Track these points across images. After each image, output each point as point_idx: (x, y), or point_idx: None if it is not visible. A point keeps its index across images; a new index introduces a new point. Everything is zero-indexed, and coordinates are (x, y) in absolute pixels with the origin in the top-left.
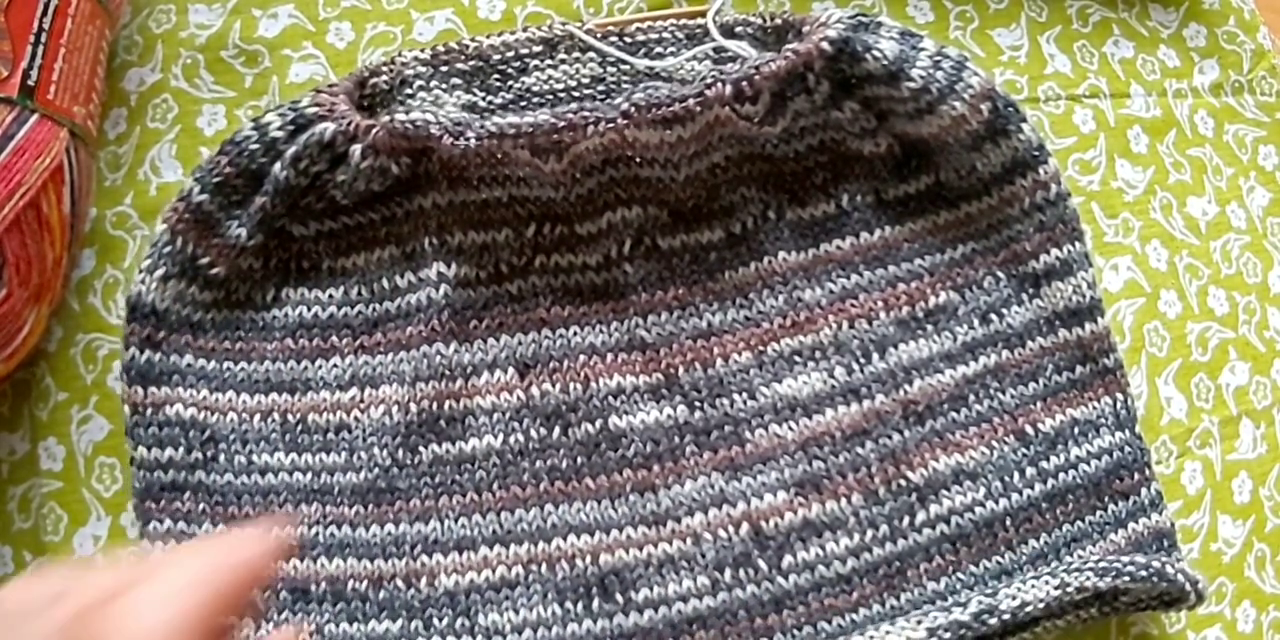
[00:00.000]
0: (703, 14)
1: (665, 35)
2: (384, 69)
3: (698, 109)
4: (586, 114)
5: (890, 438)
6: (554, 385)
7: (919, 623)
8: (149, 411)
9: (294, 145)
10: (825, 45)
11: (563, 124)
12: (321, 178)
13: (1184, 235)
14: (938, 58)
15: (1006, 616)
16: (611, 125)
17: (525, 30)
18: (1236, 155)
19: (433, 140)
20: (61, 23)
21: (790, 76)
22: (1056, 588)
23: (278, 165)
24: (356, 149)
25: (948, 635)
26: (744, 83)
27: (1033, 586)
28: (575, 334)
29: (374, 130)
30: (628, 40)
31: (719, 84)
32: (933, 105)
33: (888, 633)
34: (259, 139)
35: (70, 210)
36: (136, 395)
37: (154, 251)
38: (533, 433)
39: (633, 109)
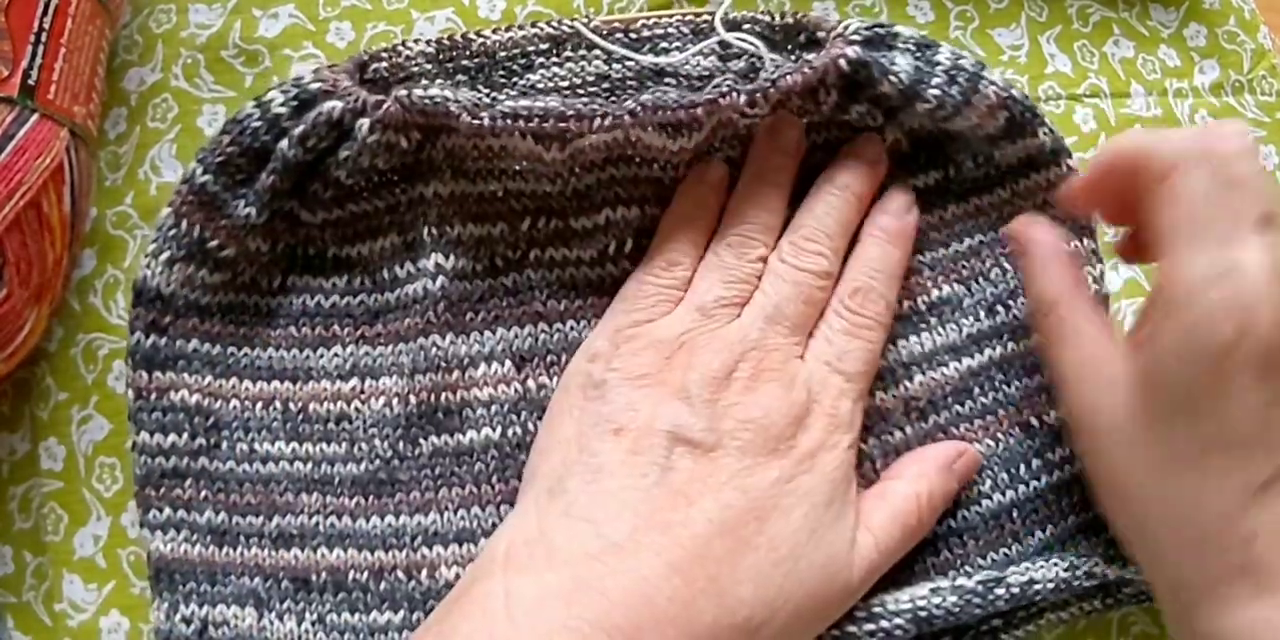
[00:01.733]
0: (709, 13)
1: (671, 31)
2: (384, 54)
3: (705, 117)
4: (596, 107)
5: (893, 434)
6: (550, 378)
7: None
8: (153, 397)
9: (301, 124)
10: (843, 64)
11: (570, 112)
12: (325, 158)
13: None
14: (953, 71)
15: (1015, 590)
16: (618, 121)
17: (532, 26)
18: None
19: (450, 117)
20: (62, 22)
21: (804, 90)
22: (1066, 569)
23: (284, 142)
24: (364, 123)
25: (953, 598)
26: (758, 95)
27: (1041, 567)
28: (571, 328)
29: (384, 104)
30: (633, 37)
31: (733, 93)
32: (947, 118)
33: (896, 599)
34: (262, 116)
35: (70, 210)
36: (141, 380)
37: (159, 235)
38: (530, 426)
39: (639, 109)
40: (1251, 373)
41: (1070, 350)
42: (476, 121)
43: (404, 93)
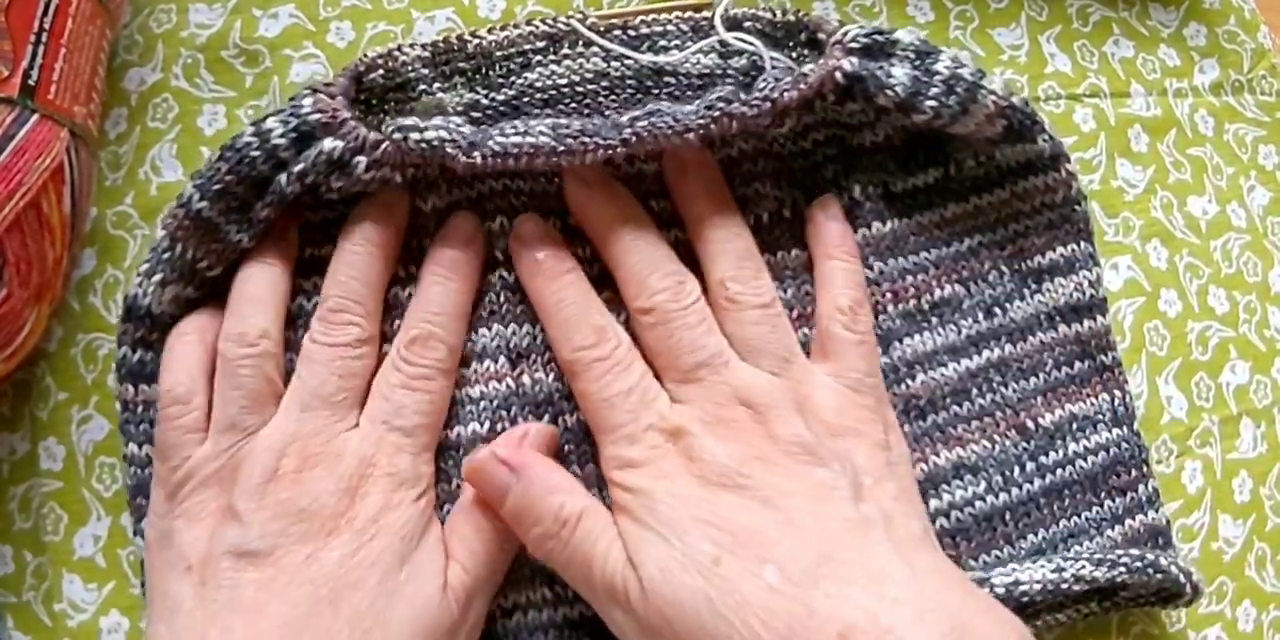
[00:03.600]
0: (707, 7)
1: (670, 28)
2: (379, 62)
3: (700, 142)
4: (586, 140)
5: None
6: (547, 374)
7: None
8: (140, 409)
9: (301, 161)
10: (839, 78)
11: (561, 148)
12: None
13: (1184, 234)
14: (951, 81)
15: (1000, 591)
16: (609, 152)
17: (528, 24)
18: (1237, 154)
19: (448, 159)
20: (62, 22)
21: (800, 104)
22: (1053, 572)
23: (283, 178)
24: (361, 161)
25: None
26: (754, 112)
27: (1028, 569)
28: None
29: (383, 145)
30: (631, 34)
31: (725, 118)
32: (945, 126)
33: None
34: (260, 146)
35: (71, 210)
36: (128, 393)
37: (153, 257)
38: (519, 420)
39: (634, 138)
40: None
41: (615, 551)
42: (470, 161)
43: (400, 136)
